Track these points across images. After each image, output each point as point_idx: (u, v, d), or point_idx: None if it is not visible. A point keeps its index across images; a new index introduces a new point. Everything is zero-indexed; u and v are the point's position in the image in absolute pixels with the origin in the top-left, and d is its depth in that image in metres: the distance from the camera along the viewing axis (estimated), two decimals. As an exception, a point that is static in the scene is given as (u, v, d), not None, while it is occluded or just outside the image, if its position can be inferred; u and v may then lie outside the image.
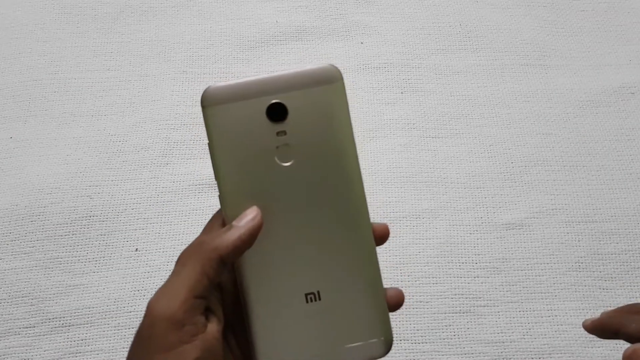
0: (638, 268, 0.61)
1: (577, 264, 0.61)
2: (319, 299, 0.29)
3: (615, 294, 0.60)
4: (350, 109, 0.30)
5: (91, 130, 0.69)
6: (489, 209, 0.64)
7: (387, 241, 0.31)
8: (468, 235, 0.63)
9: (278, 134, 0.29)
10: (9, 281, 0.60)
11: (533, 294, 0.60)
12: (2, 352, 0.57)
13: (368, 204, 0.30)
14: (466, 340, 0.58)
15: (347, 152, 0.29)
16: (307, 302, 0.29)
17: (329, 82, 0.29)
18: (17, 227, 0.63)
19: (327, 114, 0.29)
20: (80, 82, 0.73)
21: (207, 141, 0.29)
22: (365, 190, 0.31)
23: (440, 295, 0.60)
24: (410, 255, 0.62)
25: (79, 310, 0.59)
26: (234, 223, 0.28)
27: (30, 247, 0.62)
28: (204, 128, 0.29)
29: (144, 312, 0.27)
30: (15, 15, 0.78)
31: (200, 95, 0.29)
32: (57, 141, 0.69)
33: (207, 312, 0.28)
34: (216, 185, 0.29)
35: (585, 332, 0.38)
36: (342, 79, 0.29)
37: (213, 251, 0.27)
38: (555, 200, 0.65)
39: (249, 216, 0.28)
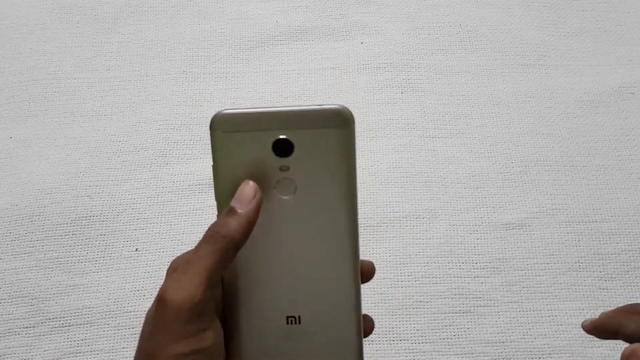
0: (638, 268, 0.61)
1: (577, 264, 0.61)
2: (299, 323, 0.31)
3: (615, 294, 0.60)
4: (357, 151, 0.30)
5: (91, 130, 0.69)
6: (489, 209, 0.64)
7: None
8: (468, 235, 0.63)
9: (281, 168, 0.29)
10: (9, 281, 0.60)
11: (533, 294, 0.60)
12: (2, 352, 0.57)
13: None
14: (466, 340, 0.58)
15: (345, 196, 0.30)
16: (287, 323, 0.31)
17: (339, 126, 0.29)
18: (17, 227, 0.63)
19: (333, 157, 0.29)
20: (80, 82, 0.73)
21: (212, 163, 0.30)
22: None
23: (440, 295, 0.60)
24: (410, 255, 0.62)
25: (79, 310, 0.59)
26: (235, 205, 0.28)
27: (30, 247, 0.62)
28: (210, 149, 0.29)
29: (155, 303, 0.28)
30: (15, 15, 0.78)
31: (211, 118, 0.29)
32: (57, 141, 0.69)
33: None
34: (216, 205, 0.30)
35: (585, 332, 0.38)
36: (353, 122, 0.29)
37: (229, 241, 0.28)
38: (555, 200, 0.65)
39: (249, 195, 0.29)
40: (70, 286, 0.60)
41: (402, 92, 0.72)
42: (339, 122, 0.29)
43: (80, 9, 0.79)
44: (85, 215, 0.64)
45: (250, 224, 0.28)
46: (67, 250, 0.62)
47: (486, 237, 0.63)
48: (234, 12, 0.79)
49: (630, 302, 0.59)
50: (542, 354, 0.57)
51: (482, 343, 0.58)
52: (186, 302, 0.26)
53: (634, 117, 0.70)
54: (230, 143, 0.29)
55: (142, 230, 0.63)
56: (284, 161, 0.29)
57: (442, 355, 0.57)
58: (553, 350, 0.57)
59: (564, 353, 0.57)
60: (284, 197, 0.29)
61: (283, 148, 0.29)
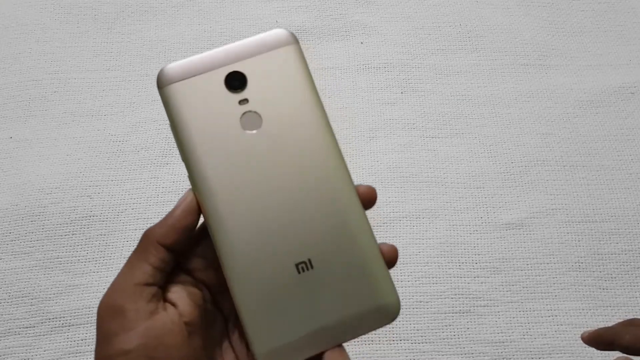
0: (638, 268, 0.61)
1: (577, 264, 0.61)
2: (312, 267, 0.27)
3: (615, 294, 0.60)
4: (312, 71, 0.29)
5: (91, 130, 0.69)
6: (489, 209, 0.64)
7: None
8: (468, 235, 0.63)
9: (240, 102, 0.28)
10: (9, 281, 0.60)
11: (533, 294, 0.60)
12: (2, 352, 0.57)
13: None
14: (466, 340, 0.58)
15: (313, 112, 0.28)
16: (298, 272, 0.26)
17: (282, 45, 0.29)
18: (17, 227, 0.63)
19: (286, 76, 0.28)
20: (80, 82, 0.73)
21: (169, 123, 0.28)
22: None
23: (440, 295, 0.60)
24: (410, 255, 0.62)
25: (79, 310, 0.59)
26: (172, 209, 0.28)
27: (30, 247, 0.62)
28: (165, 111, 0.28)
29: None
30: (15, 15, 0.78)
31: (156, 77, 0.28)
32: (57, 141, 0.69)
33: (165, 302, 0.28)
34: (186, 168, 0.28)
35: (584, 344, 0.40)
36: (296, 41, 0.29)
37: (150, 237, 0.28)
38: (555, 200, 0.65)
39: (182, 197, 0.28)
40: (70, 286, 0.60)
41: (402, 92, 0.72)
42: (281, 42, 0.29)
43: (80, 9, 0.79)
44: (85, 215, 0.64)
45: (177, 219, 0.28)
46: (67, 250, 0.62)
47: (486, 237, 0.63)
48: (234, 12, 0.79)
49: (630, 302, 0.60)
50: (542, 354, 0.57)
51: (482, 343, 0.58)
52: (106, 304, 0.27)
53: (634, 117, 0.70)
54: (181, 93, 0.28)
55: (142, 230, 0.63)
56: (240, 95, 0.28)
57: (442, 355, 0.57)
58: (553, 350, 0.57)
59: (564, 353, 0.57)
60: (253, 132, 0.28)
61: (236, 81, 0.28)
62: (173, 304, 0.28)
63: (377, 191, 0.67)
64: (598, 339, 0.39)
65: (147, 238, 0.28)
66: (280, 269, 0.26)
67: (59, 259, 0.62)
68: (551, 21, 0.78)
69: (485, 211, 0.64)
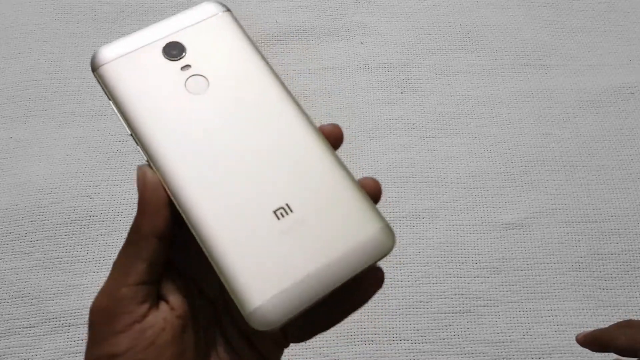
0: (638, 268, 0.61)
1: (577, 264, 0.61)
2: (291, 211, 0.25)
3: (615, 294, 0.60)
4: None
5: (91, 130, 0.69)
6: (489, 209, 0.64)
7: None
8: (468, 235, 0.63)
9: (182, 68, 0.28)
10: (9, 281, 0.60)
11: (533, 294, 0.60)
12: (2, 352, 0.57)
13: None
14: (466, 340, 0.58)
15: (256, 64, 0.29)
16: (278, 219, 0.25)
17: (214, 14, 0.30)
18: (17, 227, 0.63)
19: (223, 37, 0.29)
20: (80, 82, 0.73)
21: (112, 104, 0.27)
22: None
23: (440, 295, 0.60)
24: (410, 255, 0.62)
25: (79, 310, 0.59)
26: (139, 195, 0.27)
27: (30, 247, 0.62)
28: (104, 95, 0.28)
29: None
30: (16, 15, 0.78)
31: (90, 61, 0.28)
32: (57, 141, 0.69)
33: (158, 300, 0.27)
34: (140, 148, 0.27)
35: (579, 345, 0.40)
36: (228, 10, 0.30)
37: (139, 230, 0.26)
38: (555, 200, 0.65)
39: (139, 178, 0.26)
40: (70, 286, 0.60)
41: (402, 92, 0.72)
42: (213, 12, 0.30)
43: (80, 9, 0.79)
44: (85, 215, 0.64)
45: (150, 201, 0.26)
46: (67, 250, 0.62)
47: (486, 237, 0.63)
48: (234, 12, 0.79)
49: (630, 302, 0.60)
50: (542, 354, 0.57)
51: (482, 343, 0.58)
52: (96, 307, 0.26)
53: (634, 117, 0.70)
54: (119, 69, 0.27)
55: (142, 230, 0.63)
56: (181, 62, 0.28)
57: (442, 355, 0.57)
58: (553, 350, 0.57)
59: (564, 353, 0.57)
60: (201, 95, 0.27)
61: (174, 50, 0.28)
62: (165, 300, 0.27)
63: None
64: (593, 341, 0.38)
65: (136, 232, 0.26)
66: (258, 219, 0.25)
67: (59, 259, 0.62)
68: (551, 21, 0.78)
69: (485, 211, 0.64)
